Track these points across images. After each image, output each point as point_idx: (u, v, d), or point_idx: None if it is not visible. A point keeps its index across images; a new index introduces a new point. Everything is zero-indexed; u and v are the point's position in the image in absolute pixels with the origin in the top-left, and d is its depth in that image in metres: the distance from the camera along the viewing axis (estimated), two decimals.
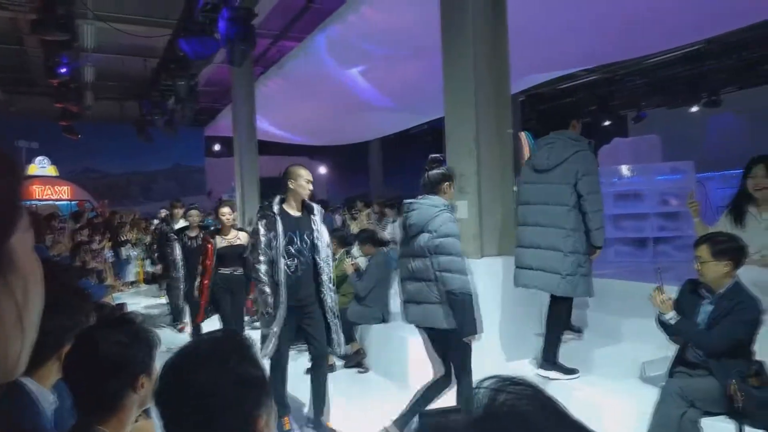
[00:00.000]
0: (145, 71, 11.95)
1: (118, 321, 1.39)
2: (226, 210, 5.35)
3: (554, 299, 3.68)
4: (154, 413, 1.19)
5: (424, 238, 3.23)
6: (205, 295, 5.14)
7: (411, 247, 3.34)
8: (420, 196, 3.40)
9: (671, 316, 2.84)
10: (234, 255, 5.21)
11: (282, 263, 3.55)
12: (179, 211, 7.16)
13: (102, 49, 10.84)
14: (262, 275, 3.56)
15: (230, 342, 1.15)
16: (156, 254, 8.68)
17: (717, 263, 2.78)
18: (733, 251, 2.79)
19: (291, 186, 3.69)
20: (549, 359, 3.69)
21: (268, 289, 3.55)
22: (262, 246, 3.57)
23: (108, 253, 10.21)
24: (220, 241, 5.22)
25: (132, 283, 11.39)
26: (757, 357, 2.78)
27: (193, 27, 7.06)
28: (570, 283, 3.51)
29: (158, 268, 8.23)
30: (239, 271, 5.23)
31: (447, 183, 3.38)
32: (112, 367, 1.32)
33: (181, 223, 6.75)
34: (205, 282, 5.14)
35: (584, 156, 3.58)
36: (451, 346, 3.29)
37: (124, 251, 10.90)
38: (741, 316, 2.71)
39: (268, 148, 13.35)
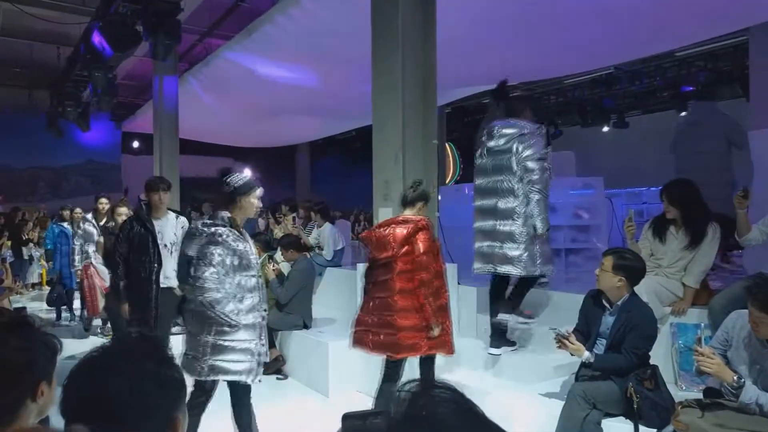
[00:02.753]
0: (58, 60, 11.23)
1: (15, 324, 1.29)
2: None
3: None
4: (56, 422, 1.12)
5: None
6: None
7: None
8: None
9: (587, 356, 2.97)
10: None
11: None
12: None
13: (8, 32, 10.06)
14: None
15: (146, 344, 1.14)
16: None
17: (612, 276, 3.01)
18: (629, 269, 3.01)
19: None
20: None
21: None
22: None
23: (6, 253, 9.45)
24: None
25: (34, 285, 10.61)
26: (652, 361, 3.02)
27: (111, 18, 6.72)
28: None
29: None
30: None
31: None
32: (8, 373, 1.22)
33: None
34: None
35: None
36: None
37: (26, 251, 10.13)
38: (643, 331, 2.94)
39: (190, 147, 12.91)
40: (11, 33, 10.17)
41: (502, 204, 3.90)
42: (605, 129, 14.29)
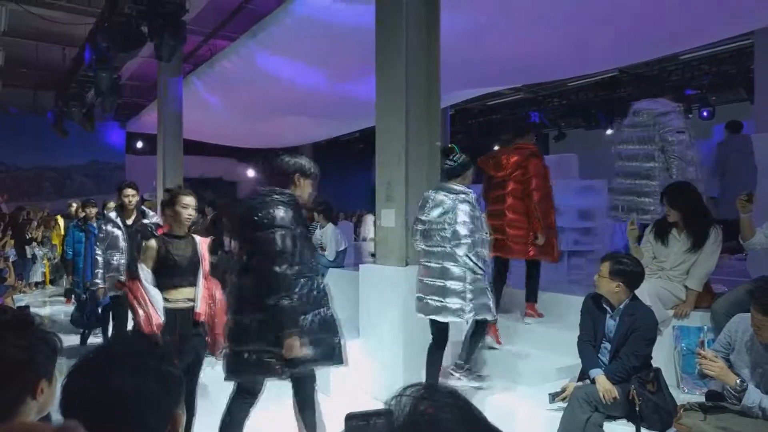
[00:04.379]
0: (64, 60, 11.27)
1: (16, 322, 1.29)
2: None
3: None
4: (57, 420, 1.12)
5: None
6: None
7: None
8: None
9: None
10: None
11: None
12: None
13: (14, 32, 10.11)
14: None
15: (145, 342, 1.15)
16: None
17: (610, 281, 3.00)
18: (626, 274, 2.99)
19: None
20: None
21: None
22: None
23: (10, 252, 9.48)
24: None
25: (37, 284, 10.65)
26: (654, 364, 3.01)
27: (117, 19, 6.75)
28: None
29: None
30: None
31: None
32: (9, 371, 1.23)
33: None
34: None
35: None
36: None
37: (29, 250, 10.16)
38: (644, 334, 2.93)
39: (194, 147, 12.92)
40: (17, 33, 10.22)
41: None
42: (609, 132, 14.26)
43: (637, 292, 3.07)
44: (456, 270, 3.47)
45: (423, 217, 3.68)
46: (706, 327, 3.48)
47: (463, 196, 3.56)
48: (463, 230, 3.46)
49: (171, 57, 7.12)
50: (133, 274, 3.17)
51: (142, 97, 14.16)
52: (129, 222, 4.90)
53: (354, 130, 13.38)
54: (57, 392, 1.26)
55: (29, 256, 10.25)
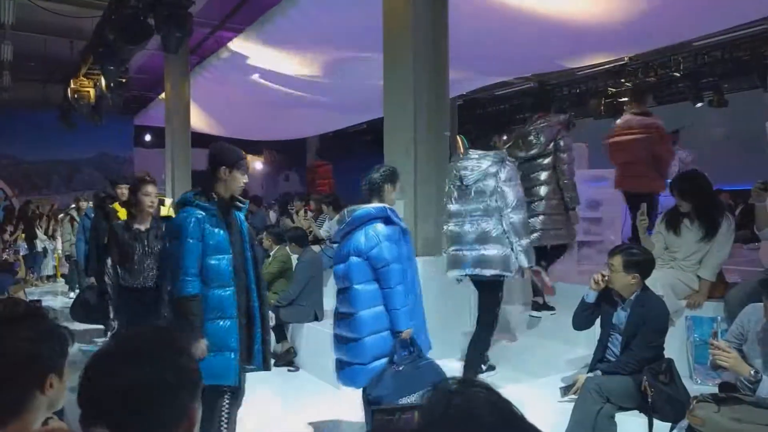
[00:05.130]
0: (71, 54, 11.27)
1: (25, 316, 1.28)
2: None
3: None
4: (68, 414, 1.12)
5: None
6: None
7: None
8: None
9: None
10: None
11: None
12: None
13: (22, 26, 10.12)
14: None
15: (163, 335, 1.14)
16: None
17: (625, 275, 2.97)
18: (641, 264, 2.97)
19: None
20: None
21: None
22: None
23: (21, 245, 9.56)
24: None
25: (48, 277, 10.74)
26: (667, 354, 2.98)
27: (124, 11, 6.73)
28: None
29: None
30: None
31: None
32: (17, 365, 1.22)
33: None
34: None
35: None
36: None
37: (40, 243, 10.24)
38: (655, 325, 2.91)
39: (202, 140, 12.92)
40: (26, 27, 10.22)
41: None
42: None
43: (649, 282, 3.04)
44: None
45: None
46: (719, 317, 3.44)
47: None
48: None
49: (178, 49, 7.11)
50: None
51: (150, 90, 14.16)
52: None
53: (362, 120, 13.33)
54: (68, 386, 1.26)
55: (39, 249, 10.33)
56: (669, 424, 2.76)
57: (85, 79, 10.52)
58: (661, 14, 6.01)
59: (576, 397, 2.93)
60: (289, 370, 5.18)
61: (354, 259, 3.01)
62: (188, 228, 2.65)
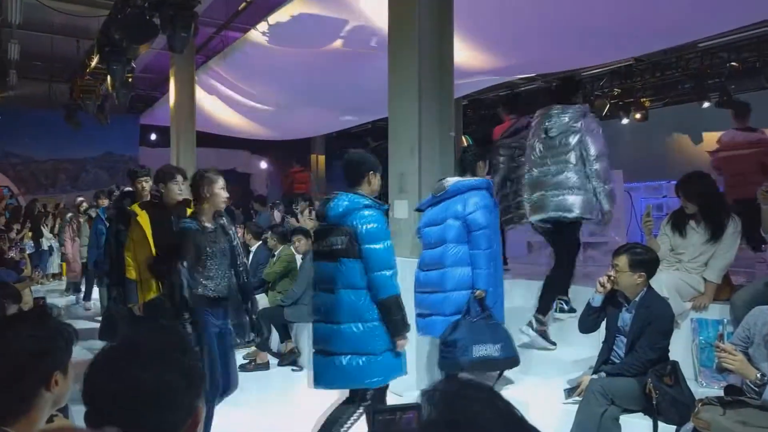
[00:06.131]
0: (78, 53, 11.32)
1: (31, 314, 1.29)
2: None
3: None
4: (73, 413, 1.12)
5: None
6: None
7: None
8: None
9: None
10: None
11: None
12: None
13: (29, 26, 10.17)
14: None
15: (169, 335, 1.16)
16: None
17: (631, 274, 2.96)
18: (647, 263, 2.98)
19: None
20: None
21: None
22: None
23: (27, 244, 9.61)
24: None
25: (54, 275, 10.78)
26: (672, 357, 2.97)
27: (130, 10, 6.75)
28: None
29: None
30: None
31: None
32: (23, 362, 1.23)
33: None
34: None
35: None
36: None
37: (45, 242, 10.29)
38: (660, 327, 2.90)
39: (207, 139, 12.95)
40: (32, 27, 10.27)
41: None
42: (624, 121, 14.05)
43: (654, 284, 3.03)
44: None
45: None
46: (725, 320, 3.42)
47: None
48: None
49: (183, 48, 7.12)
50: None
51: (156, 90, 14.21)
52: None
53: (367, 120, 13.33)
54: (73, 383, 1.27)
55: (45, 247, 10.37)
56: (674, 427, 2.75)
57: (91, 78, 10.55)
58: (669, 14, 5.98)
59: (580, 398, 2.92)
60: (293, 370, 5.19)
61: (451, 221, 3.46)
62: (386, 229, 2.87)
